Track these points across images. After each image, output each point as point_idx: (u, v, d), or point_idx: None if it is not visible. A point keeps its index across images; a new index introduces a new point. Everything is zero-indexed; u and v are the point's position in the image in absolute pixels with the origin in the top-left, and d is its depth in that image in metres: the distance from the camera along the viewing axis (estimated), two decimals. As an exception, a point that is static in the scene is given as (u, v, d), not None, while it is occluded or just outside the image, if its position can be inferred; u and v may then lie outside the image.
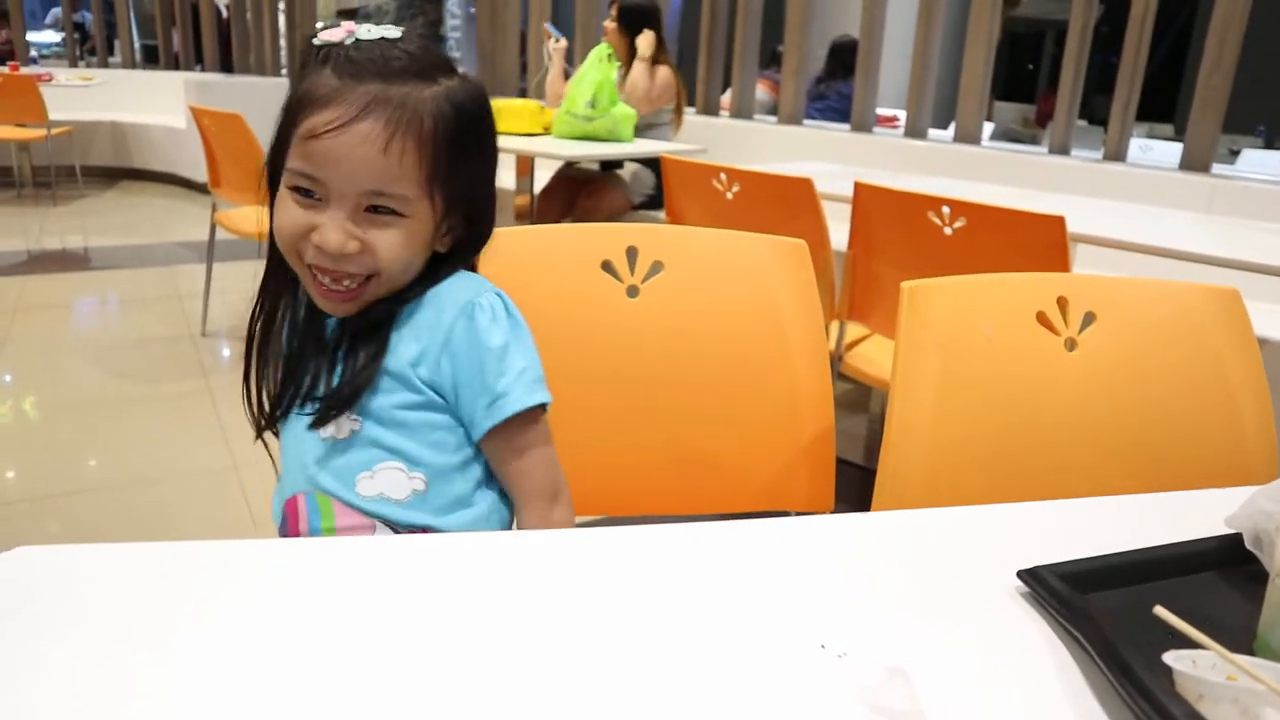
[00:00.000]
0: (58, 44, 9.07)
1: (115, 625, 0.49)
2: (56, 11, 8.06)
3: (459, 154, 0.77)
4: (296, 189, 0.75)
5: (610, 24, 3.43)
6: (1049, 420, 0.93)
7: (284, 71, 6.53)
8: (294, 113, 0.75)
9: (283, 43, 6.53)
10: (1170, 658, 0.46)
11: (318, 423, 0.79)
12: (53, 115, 5.23)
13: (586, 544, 0.61)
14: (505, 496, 0.84)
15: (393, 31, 0.77)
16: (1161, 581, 0.58)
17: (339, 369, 0.79)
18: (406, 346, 0.79)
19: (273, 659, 0.47)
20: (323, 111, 0.73)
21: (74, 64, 7.17)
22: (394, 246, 0.76)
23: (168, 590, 0.52)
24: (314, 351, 0.81)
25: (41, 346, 3.13)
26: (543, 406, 0.81)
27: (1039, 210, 1.67)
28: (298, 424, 0.81)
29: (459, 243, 0.82)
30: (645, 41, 3.35)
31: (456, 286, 0.81)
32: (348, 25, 0.77)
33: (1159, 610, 0.49)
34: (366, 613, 0.51)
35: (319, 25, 0.80)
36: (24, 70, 5.77)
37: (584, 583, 0.56)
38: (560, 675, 0.47)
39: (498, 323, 0.79)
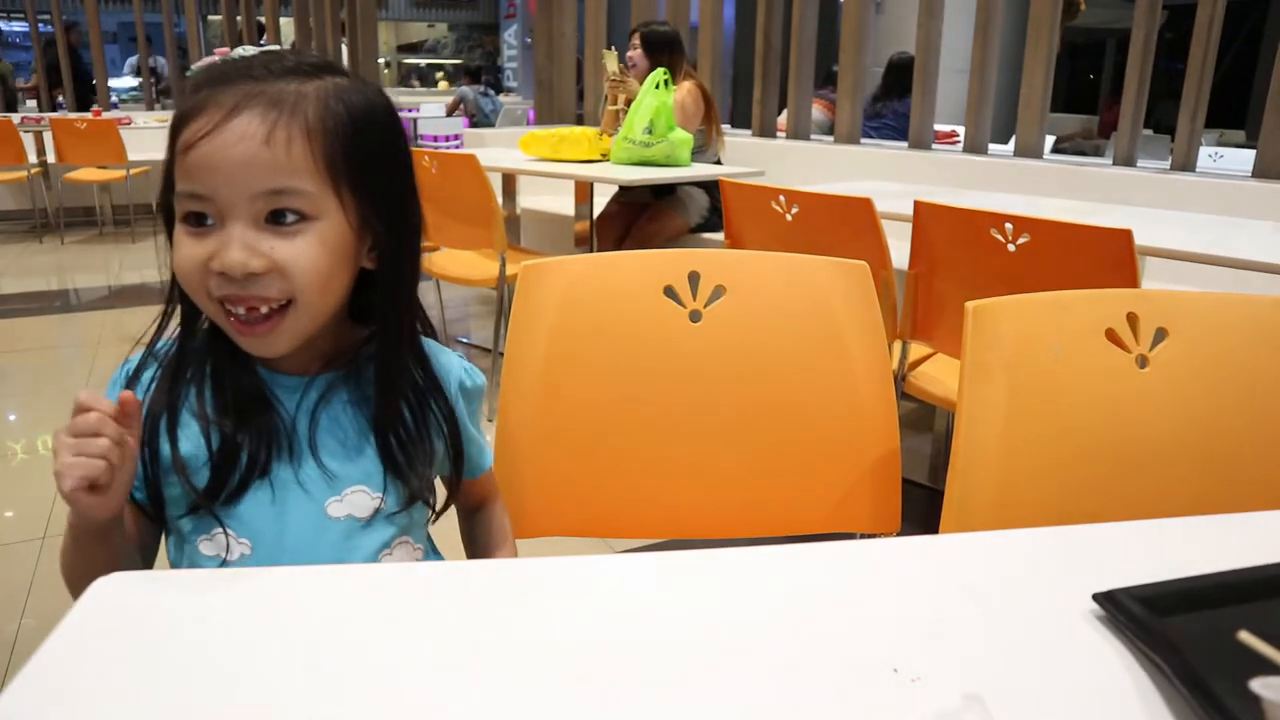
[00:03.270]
0: (135, 89, 9.47)
1: (208, 648, 0.51)
2: (134, 60, 8.41)
3: (360, 148, 0.70)
4: (187, 219, 0.68)
5: (635, 53, 3.45)
6: (1122, 439, 0.91)
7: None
8: (171, 139, 0.69)
9: (346, 79, 6.72)
10: (1258, 685, 0.45)
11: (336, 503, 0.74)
12: (131, 156, 5.46)
13: (651, 567, 0.61)
14: None
15: (274, 48, 0.72)
16: (1245, 605, 0.57)
17: (362, 444, 0.75)
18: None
19: (373, 683, 0.48)
20: (194, 122, 0.66)
21: (150, 107, 7.48)
22: (307, 257, 0.68)
23: (258, 613, 0.54)
24: (264, 425, 0.73)
25: (122, 379, 3.24)
26: None
27: (1105, 224, 1.64)
28: (286, 504, 0.73)
29: (387, 262, 0.74)
30: (675, 71, 3.35)
31: (434, 349, 0.82)
32: (221, 51, 0.75)
33: (1244, 636, 0.48)
34: (459, 637, 0.52)
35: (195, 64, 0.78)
36: (105, 115, 6.04)
37: (649, 605, 0.56)
38: (624, 699, 0.47)
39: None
